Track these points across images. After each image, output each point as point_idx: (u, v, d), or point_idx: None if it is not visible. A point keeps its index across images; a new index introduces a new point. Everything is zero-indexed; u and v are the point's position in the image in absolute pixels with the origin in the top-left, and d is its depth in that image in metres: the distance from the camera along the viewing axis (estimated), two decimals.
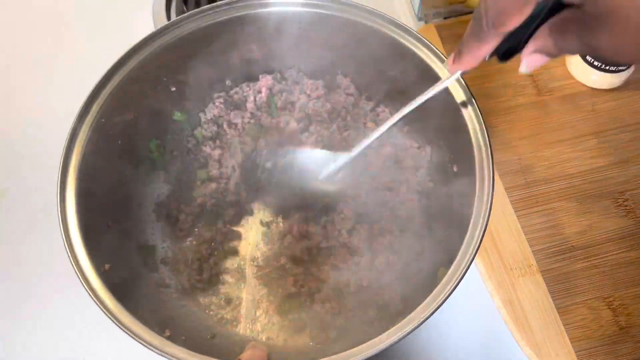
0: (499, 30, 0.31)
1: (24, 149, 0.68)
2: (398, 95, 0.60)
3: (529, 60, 0.33)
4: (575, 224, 0.61)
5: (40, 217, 0.61)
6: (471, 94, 0.49)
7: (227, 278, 0.58)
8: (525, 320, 0.56)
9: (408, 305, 0.53)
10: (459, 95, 0.50)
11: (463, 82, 0.50)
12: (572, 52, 0.34)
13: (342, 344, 0.53)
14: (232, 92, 0.63)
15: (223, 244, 0.60)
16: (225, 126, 0.63)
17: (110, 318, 0.42)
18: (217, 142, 0.63)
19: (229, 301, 0.57)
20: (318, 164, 0.57)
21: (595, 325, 0.56)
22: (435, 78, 0.52)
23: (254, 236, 0.61)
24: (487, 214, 0.44)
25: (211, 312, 0.56)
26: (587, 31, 0.27)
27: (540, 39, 0.31)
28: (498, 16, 0.30)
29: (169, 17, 0.73)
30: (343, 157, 0.54)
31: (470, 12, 0.76)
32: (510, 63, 0.39)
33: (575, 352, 0.55)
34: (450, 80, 0.44)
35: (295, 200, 0.60)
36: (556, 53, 0.32)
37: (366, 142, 0.51)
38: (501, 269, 0.59)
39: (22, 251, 0.62)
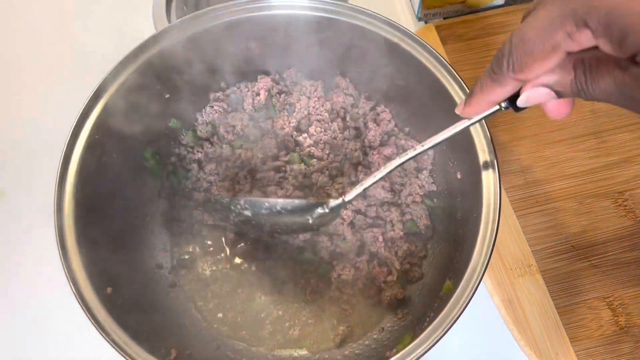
0: (518, 75, 0.28)
1: (24, 149, 0.68)
2: (397, 95, 0.60)
3: (530, 94, 0.29)
4: (575, 224, 0.61)
5: (40, 217, 0.61)
6: None
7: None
8: (525, 320, 0.56)
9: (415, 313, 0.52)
10: (461, 98, 0.50)
11: (466, 89, 0.50)
12: (596, 98, 0.27)
13: (343, 350, 0.53)
14: (228, 91, 0.62)
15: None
16: (222, 130, 0.62)
17: (117, 350, 0.41)
18: (212, 147, 0.62)
19: (233, 308, 0.57)
20: (307, 212, 0.52)
21: (595, 325, 0.56)
22: (433, 78, 0.52)
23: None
24: (494, 233, 0.44)
25: (216, 321, 0.56)
26: (636, 83, 0.23)
27: (558, 72, 0.27)
28: (521, 59, 0.27)
29: (169, 18, 0.73)
30: (334, 202, 0.50)
31: (470, 12, 0.76)
32: None
33: (575, 352, 0.55)
34: (468, 122, 0.38)
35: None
36: (570, 94, 0.27)
37: (361, 187, 0.46)
38: (501, 268, 0.59)
39: (22, 251, 0.62)
